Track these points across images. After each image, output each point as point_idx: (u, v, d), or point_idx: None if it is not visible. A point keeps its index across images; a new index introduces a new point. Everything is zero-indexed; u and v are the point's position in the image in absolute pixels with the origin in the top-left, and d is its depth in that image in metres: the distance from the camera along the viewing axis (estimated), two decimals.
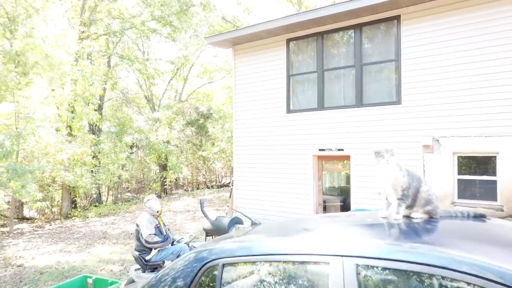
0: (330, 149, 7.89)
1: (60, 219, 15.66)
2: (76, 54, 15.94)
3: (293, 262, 1.74)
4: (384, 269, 1.51)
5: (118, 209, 17.05)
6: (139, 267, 5.28)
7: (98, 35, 18.49)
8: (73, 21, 16.58)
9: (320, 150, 8.02)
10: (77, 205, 18.55)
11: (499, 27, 6.21)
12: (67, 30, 15.58)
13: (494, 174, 6.33)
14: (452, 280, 1.38)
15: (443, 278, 1.40)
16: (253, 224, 5.47)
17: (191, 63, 24.63)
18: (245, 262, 1.91)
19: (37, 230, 13.38)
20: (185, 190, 24.21)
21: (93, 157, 17.55)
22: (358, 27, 7.61)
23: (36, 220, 15.63)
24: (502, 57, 6.19)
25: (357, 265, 1.55)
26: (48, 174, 14.30)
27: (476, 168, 6.70)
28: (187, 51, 23.91)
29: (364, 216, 2.37)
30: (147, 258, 5.20)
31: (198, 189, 24.26)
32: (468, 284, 1.35)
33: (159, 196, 20.90)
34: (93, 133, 18.36)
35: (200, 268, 2.02)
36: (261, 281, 1.84)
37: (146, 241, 5.13)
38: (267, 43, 8.79)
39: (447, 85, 6.64)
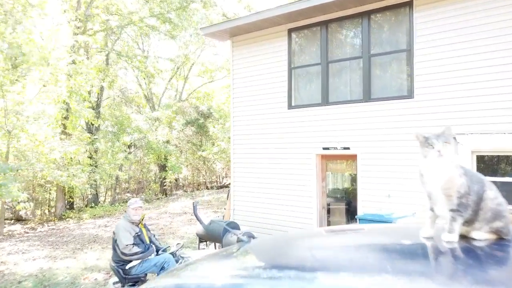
0: (335, 148, 7.25)
1: (54, 220, 15.10)
2: (71, 50, 15.39)
3: None
4: None
5: (114, 210, 16.46)
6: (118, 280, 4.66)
7: (95, 31, 17.93)
8: (67, 15, 16.02)
9: (324, 149, 7.39)
10: (74, 206, 18.01)
11: None
12: (61, 24, 15.03)
13: None
14: None
15: None
16: (239, 240, 4.80)
17: (191, 62, 24.06)
18: None
19: (28, 233, 12.83)
20: (184, 191, 23.62)
21: (90, 157, 16.99)
22: (366, 14, 6.98)
23: (29, 222, 15.09)
24: None
25: None
26: (40, 173, 13.71)
27: (498, 168, 6.06)
28: (187, 49, 23.36)
29: (390, 234, 1.74)
30: (126, 268, 4.57)
31: (198, 190, 23.66)
32: None
33: (158, 198, 20.32)
34: (91, 132, 17.80)
35: None
36: None
37: (123, 253, 4.50)
38: (267, 34, 8.16)
39: (465, 77, 5.99)
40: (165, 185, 22.17)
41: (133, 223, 4.76)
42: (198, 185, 25.21)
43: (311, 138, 7.55)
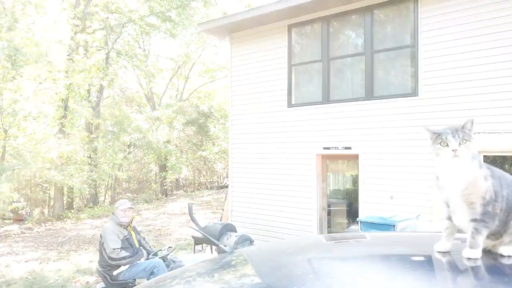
0: (336, 148, 7.00)
1: (52, 220, 14.90)
2: (70, 48, 15.20)
3: None
4: None
5: (113, 210, 16.24)
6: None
7: (94, 30, 17.72)
8: (66, 13, 15.82)
9: (325, 148, 7.13)
10: (74, 206, 17.81)
11: None
12: (59, 22, 14.85)
13: None
14: None
15: None
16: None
17: (192, 62, 23.85)
18: None
19: (24, 233, 12.63)
20: (184, 191, 23.41)
21: (89, 156, 16.79)
22: (369, 9, 6.72)
23: (27, 222, 14.90)
24: None
25: None
26: (37, 173, 13.51)
27: (506, 169, 5.79)
28: (188, 49, 23.17)
29: (396, 246, 1.49)
30: (114, 273, 4.33)
31: (198, 190, 23.44)
32: None
33: (157, 198, 20.11)
34: (90, 132, 17.60)
35: None
36: None
37: (110, 257, 4.26)
38: (267, 30, 7.92)
39: (472, 74, 5.73)
40: (165, 185, 21.95)
41: (121, 225, 4.52)
42: (199, 185, 25.00)
43: (312, 137, 7.30)
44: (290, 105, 7.63)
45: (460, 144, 1.18)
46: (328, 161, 7.53)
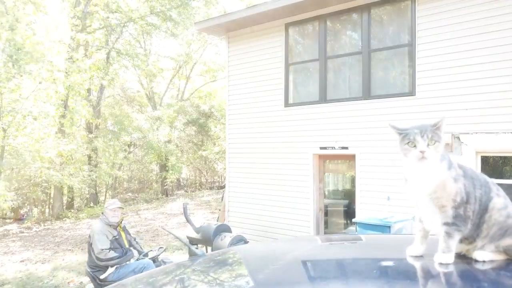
0: (333, 148, 6.93)
1: (51, 220, 14.88)
2: (69, 47, 15.19)
3: None
4: None
5: None
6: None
7: (94, 29, 17.70)
8: (65, 11, 15.81)
9: (322, 148, 7.06)
10: (74, 206, 17.79)
11: None
12: (59, 22, 14.83)
13: None
14: None
15: None
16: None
17: (194, 61, 23.81)
18: None
19: (23, 232, 12.61)
20: (185, 191, 23.38)
21: (89, 156, 16.76)
22: (366, 7, 6.65)
23: (26, 221, 14.88)
24: None
25: None
26: (36, 172, 13.49)
27: (504, 170, 5.72)
28: (189, 48, 23.13)
29: (372, 249, 1.42)
30: (101, 277, 4.27)
31: (199, 190, 23.40)
32: None
33: (157, 198, 20.08)
34: (90, 131, 17.58)
35: None
36: None
37: (98, 258, 4.19)
38: (264, 29, 7.85)
39: (470, 73, 5.65)
40: (166, 185, 21.91)
41: (110, 225, 4.47)
42: (200, 185, 24.97)
43: (308, 137, 7.23)
44: (287, 104, 7.57)
45: (428, 145, 1.10)
46: (325, 161, 7.45)
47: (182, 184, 25.18)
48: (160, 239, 9.53)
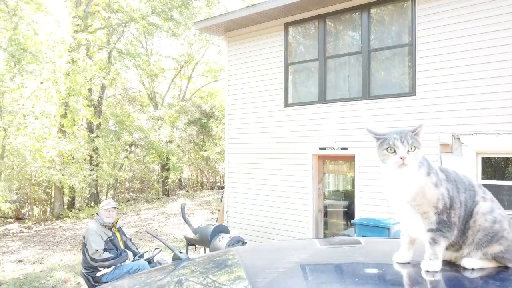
0: (332, 148, 6.88)
1: (52, 219, 14.88)
2: (70, 47, 15.18)
3: None
4: None
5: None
6: None
7: (96, 29, 17.70)
8: (67, 11, 15.82)
9: (321, 149, 7.01)
10: (75, 205, 17.79)
11: None
12: (61, 22, 14.84)
13: None
14: None
15: None
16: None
17: (195, 61, 23.80)
18: None
19: (23, 232, 12.61)
20: (186, 191, 23.36)
21: (90, 156, 16.76)
22: (366, 7, 6.59)
23: (27, 221, 14.89)
24: None
25: None
26: (36, 172, 13.49)
27: (505, 171, 5.65)
28: (191, 48, 23.11)
29: (361, 254, 1.37)
30: (97, 275, 4.23)
31: (200, 190, 23.38)
32: None
33: (158, 198, 20.06)
34: (91, 131, 17.57)
35: None
36: None
37: (92, 259, 4.15)
38: (263, 28, 7.81)
39: (471, 73, 5.59)
40: (167, 185, 21.90)
41: (105, 226, 4.43)
42: (201, 185, 24.96)
43: (308, 137, 7.18)
44: (286, 104, 7.52)
45: (408, 151, 1.05)
46: (325, 161, 7.40)
47: (183, 184, 25.17)
48: (158, 240, 9.48)
